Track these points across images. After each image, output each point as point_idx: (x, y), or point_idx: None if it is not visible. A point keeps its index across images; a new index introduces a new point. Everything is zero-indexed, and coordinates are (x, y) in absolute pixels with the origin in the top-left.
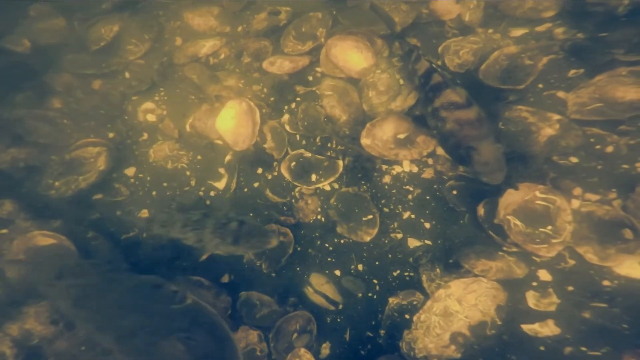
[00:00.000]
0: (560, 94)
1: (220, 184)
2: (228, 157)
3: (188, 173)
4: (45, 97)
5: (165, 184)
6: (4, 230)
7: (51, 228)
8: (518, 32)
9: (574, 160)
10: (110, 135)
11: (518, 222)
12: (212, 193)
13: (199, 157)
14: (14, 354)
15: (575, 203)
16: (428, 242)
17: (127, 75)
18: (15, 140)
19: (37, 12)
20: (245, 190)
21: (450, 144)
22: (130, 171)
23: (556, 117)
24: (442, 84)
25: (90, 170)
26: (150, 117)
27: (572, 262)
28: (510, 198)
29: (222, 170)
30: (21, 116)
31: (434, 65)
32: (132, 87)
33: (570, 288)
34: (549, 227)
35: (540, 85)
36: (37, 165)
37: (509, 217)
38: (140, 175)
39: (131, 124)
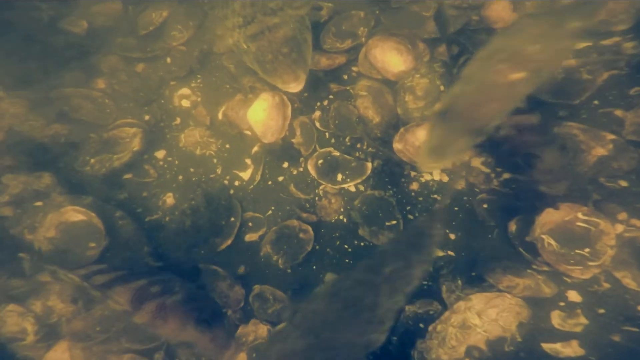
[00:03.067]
0: (618, 112)
1: (246, 175)
2: (255, 149)
3: (215, 160)
4: (91, 77)
5: (192, 170)
6: (39, 203)
7: (83, 204)
8: (580, 44)
9: (623, 183)
10: (146, 117)
11: (553, 242)
12: (236, 182)
13: (227, 146)
14: (35, 331)
15: (619, 228)
16: (451, 253)
17: (168, 60)
18: (60, 117)
19: None
20: (269, 183)
21: (503, 150)
22: (160, 154)
23: (610, 136)
24: None
25: (125, 150)
26: (185, 103)
27: (606, 285)
28: (549, 217)
29: (248, 161)
30: (68, 94)
31: None
32: (171, 72)
33: (602, 311)
34: (587, 250)
35: (596, 102)
36: (76, 141)
37: (544, 235)
38: (169, 159)
39: (166, 108)
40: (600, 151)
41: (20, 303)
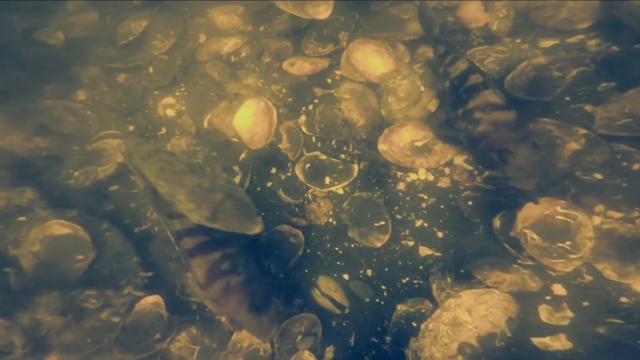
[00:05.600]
0: (588, 108)
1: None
2: (243, 155)
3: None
4: (72, 88)
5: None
6: (23, 218)
7: (68, 218)
8: (548, 43)
9: (598, 176)
10: (131, 128)
11: (535, 236)
12: None
13: (214, 154)
14: (22, 344)
15: (597, 220)
16: (440, 251)
17: (150, 70)
18: (40, 130)
19: (74, 6)
20: (258, 189)
21: (480, 146)
22: None
23: (582, 131)
24: (481, 85)
25: (109, 162)
26: (170, 112)
27: (589, 277)
28: (530, 212)
29: (236, 168)
30: (48, 106)
31: (477, 65)
32: (154, 81)
33: (586, 303)
34: (568, 243)
35: (568, 98)
36: (58, 154)
37: (526, 230)
38: None
39: (151, 117)
40: (573, 145)
41: (7, 317)
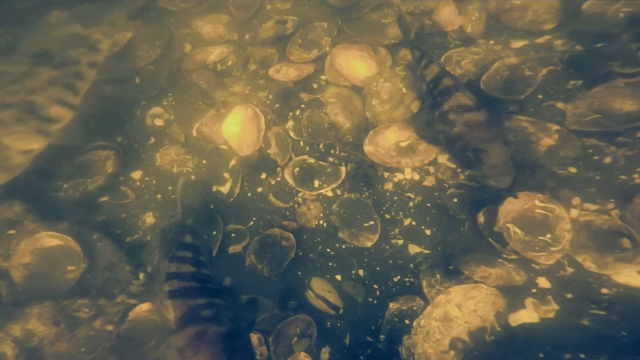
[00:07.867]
0: (560, 105)
1: (225, 189)
2: (233, 162)
3: (193, 177)
4: None
5: (170, 188)
6: (12, 231)
7: (58, 229)
8: (518, 43)
9: (573, 170)
10: (119, 139)
11: (517, 230)
12: (216, 197)
13: (204, 162)
14: (15, 355)
15: (574, 212)
16: (428, 248)
17: (137, 80)
18: None
19: (56, 19)
20: (249, 194)
21: (457, 146)
22: (136, 174)
23: (555, 127)
24: (452, 87)
25: (99, 173)
26: (158, 122)
27: (570, 270)
28: (510, 206)
29: (226, 175)
30: None
31: (447, 69)
32: (141, 92)
33: (569, 295)
34: (548, 236)
35: (540, 96)
36: (47, 167)
37: (508, 225)
38: (146, 179)
39: (139, 128)
40: (548, 141)
41: None
